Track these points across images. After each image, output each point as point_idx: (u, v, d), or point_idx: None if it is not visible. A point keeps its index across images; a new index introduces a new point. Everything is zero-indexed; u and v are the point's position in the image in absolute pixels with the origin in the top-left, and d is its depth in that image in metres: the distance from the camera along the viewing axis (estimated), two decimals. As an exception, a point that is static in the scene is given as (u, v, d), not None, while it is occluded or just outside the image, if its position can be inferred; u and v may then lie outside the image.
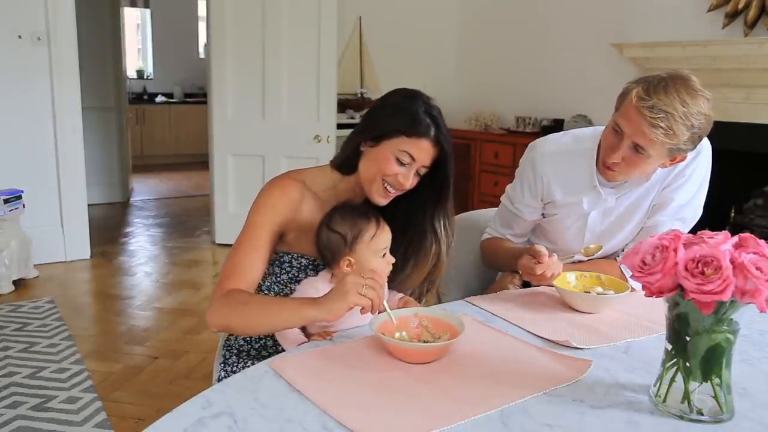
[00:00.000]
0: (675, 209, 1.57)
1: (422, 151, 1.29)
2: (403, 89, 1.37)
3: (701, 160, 1.56)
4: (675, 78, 1.35)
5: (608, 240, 1.63)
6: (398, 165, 1.30)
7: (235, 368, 1.36)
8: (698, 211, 1.60)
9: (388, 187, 1.32)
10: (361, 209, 1.30)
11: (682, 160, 1.46)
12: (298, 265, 1.38)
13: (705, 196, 1.60)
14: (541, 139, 1.68)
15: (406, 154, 1.29)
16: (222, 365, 1.39)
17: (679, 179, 1.55)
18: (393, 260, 1.30)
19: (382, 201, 1.34)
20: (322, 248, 1.29)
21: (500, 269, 1.75)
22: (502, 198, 1.74)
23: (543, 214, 1.68)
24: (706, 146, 1.56)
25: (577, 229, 1.64)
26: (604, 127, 1.54)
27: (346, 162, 1.37)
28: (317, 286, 1.28)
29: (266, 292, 1.42)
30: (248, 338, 1.42)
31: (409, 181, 1.31)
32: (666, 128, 1.31)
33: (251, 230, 1.31)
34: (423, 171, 1.33)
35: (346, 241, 1.25)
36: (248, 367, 1.34)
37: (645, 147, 1.37)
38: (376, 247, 1.26)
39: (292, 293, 1.37)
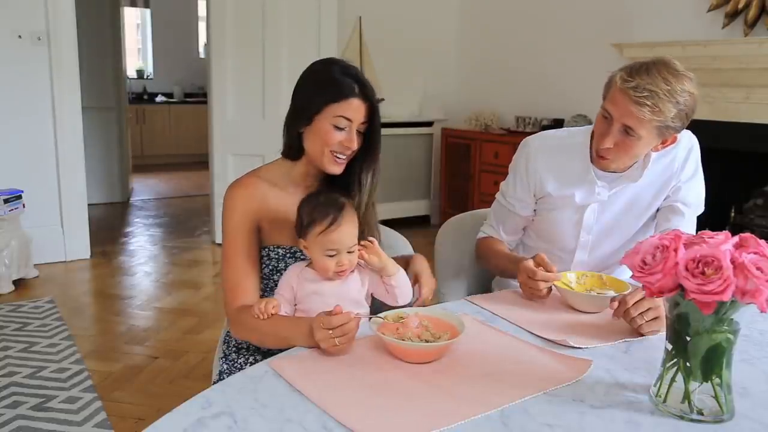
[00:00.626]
0: (693, 206, 1.61)
1: (354, 111, 1.31)
2: (315, 62, 1.40)
3: (694, 153, 1.61)
4: (656, 61, 1.40)
5: (605, 240, 1.64)
6: (337, 131, 1.32)
7: (235, 363, 1.37)
8: (702, 197, 1.64)
9: (337, 156, 1.34)
10: (329, 202, 1.28)
11: (673, 141, 1.48)
12: (276, 256, 1.40)
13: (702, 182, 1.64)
14: (533, 135, 1.70)
15: (341, 119, 1.31)
16: (223, 359, 1.40)
17: (684, 178, 1.58)
18: (344, 265, 1.27)
19: (337, 169, 1.36)
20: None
21: (491, 271, 1.75)
22: (497, 194, 1.75)
23: (535, 210, 1.69)
24: (695, 141, 1.61)
25: (573, 227, 1.64)
26: (593, 126, 1.57)
27: (291, 149, 1.40)
28: (296, 272, 1.31)
29: None
30: None
31: (354, 142, 1.34)
32: (652, 105, 1.35)
33: (231, 240, 1.35)
34: (363, 128, 1.35)
35: (302, 225, 1.28)
36: (248, 360, 1.35)
37: (634, 128, 1.39)
38: (322, 244, 1.25)
39: (276, 285, 1.39)
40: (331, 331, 1.07)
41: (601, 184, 1.57)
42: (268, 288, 1.42)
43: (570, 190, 1.60)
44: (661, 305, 1.21)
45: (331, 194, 1.32)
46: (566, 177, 1.60)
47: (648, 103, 1.34)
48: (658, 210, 1.63)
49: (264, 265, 1.40)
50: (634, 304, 1.21)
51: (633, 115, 1.37)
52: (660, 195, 1.60)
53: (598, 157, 1.51)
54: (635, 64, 1.41)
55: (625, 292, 1.29)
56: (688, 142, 1.59)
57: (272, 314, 1.21)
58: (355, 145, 1.34)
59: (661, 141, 1.45)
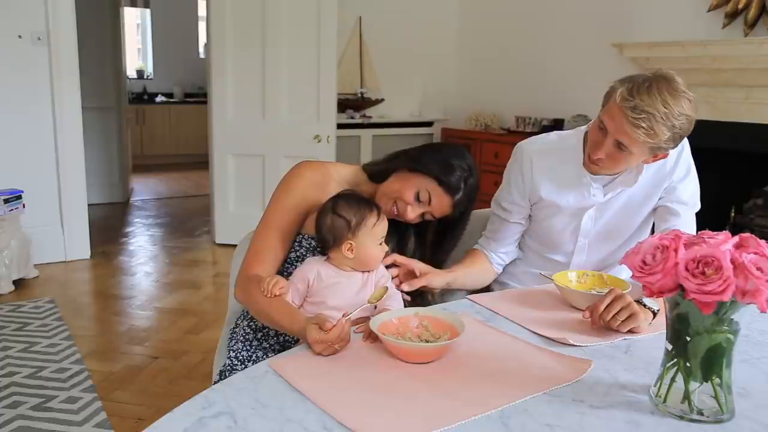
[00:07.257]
0: (690, 204, 1.61)
1: (440, 203, 1.42)
2: (460, 151, 1.51)
3: (685, 152, 1.60)
4: (659, 78, 1.37)
5: (601, 244, 1.64)
6: (414, 198, 1.40)
7: (239, 354, 1.39)
8: (697, 194, 1.64)
9: (395, 209, 1.42)
10: (364, 199, 1.36)
11: (664, 157, 1.50)
12: (308, 245, 1.42)
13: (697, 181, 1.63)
14: (525, 140, 1.71)
15: (427, 194, 1.41)
16: (228, 351, 1.42)
17: (677, 178, 1.58)
18: (387, 249, 1.37)
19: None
20: (325, 232, 1.33)
21: None
22: (492, 205, 1.75)
23: (531, 216, 1.69)
24: (684, 141, 1.58)
25: (571, 233, 1.65)
26: (584, 127, 1.60)
27: (380, 173, 1.47)
28: (316, 267, 1.33)
29: None
30: (252, 327, 1.44)
31: (413, 216, 1.42)
32: (647, 128, 1.35)
33: (277, 212, 1.39)
34: (430, 218, 1.44)
35: (350, 226, 1.30)
36: (251, 354, 1.36)
37: (627, 145, 1.41)
38: (375, 234, 1.32)
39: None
40: (332, 347, 1.07)
41: (596, 186, 1.58)
42: (288, 273, 1.42)
43: (564, 193, 1.61)
44: (632, 302, 1.22)
45: (359, 194, 1.40)
46: (560, 180, 1.61)
47: (643, 125, 1.34)
48: (654, 210, 1.63)
49: (293, 250, 1.42)
50: (605, 309, 1.22)
51: (627, 135, 1.38)
52: (653, 196, 1.60)
53: (590, 162, 1.53)
54: (638, 78, 1.39)
55: (626, 290, 1.29)
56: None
57: (276, 295, 1.24)
58: (410, 218, 1.42)
59: (653, 156, 1.47)
